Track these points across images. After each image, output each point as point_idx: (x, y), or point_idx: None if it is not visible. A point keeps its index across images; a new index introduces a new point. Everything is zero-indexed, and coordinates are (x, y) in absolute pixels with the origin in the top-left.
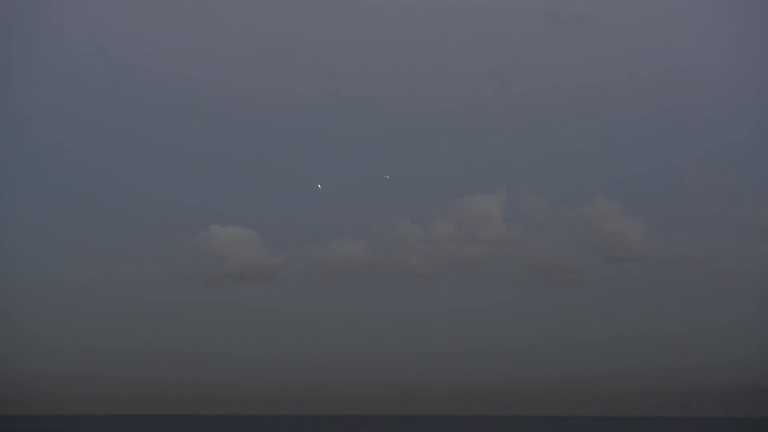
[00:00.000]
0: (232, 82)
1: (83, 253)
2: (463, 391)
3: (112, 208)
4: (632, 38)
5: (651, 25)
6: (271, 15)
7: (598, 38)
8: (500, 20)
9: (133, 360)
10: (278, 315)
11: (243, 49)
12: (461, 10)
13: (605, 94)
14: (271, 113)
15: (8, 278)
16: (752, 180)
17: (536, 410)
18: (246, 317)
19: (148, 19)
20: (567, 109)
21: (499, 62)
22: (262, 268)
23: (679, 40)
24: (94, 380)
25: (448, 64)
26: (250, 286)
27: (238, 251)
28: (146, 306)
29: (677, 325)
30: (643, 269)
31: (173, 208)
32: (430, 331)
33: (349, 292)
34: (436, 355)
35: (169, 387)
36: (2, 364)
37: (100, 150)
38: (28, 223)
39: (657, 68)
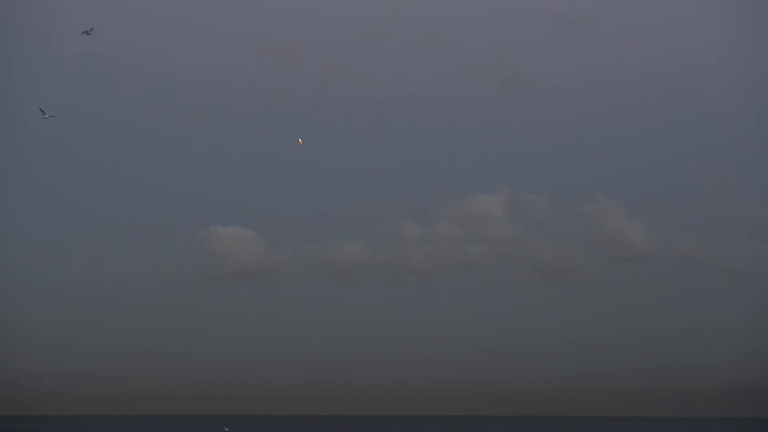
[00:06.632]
0: (233, 82)
1: (84, 251)
2: (466, 391)
3: (114, 205)
4: (637, 39)
5: (655, 27)
6: (273, 15)
7: (604, 39)
8: (506, 21)
9: (133, 359)
10: (279, 313)
11: (245, 49)
12: (465, 9)
13: (609, 95)
14: (273, 113)
15: (8, 276)
16: (754, 180)
17: (538, 410)
18: (247, 316)
19: (149, 17)
20: (570, 109)
21: (504, 62)
22: (263, 268)
23: (683, 41)
24: (94, 380)
25: (453, 64)
26: (251, 284)
27: (240, 251)
28: (148, 304)
29: (678, 324)
30: (645, 269)
31: (176, 206)
32: (433, 329)
33: (351, 291)
34: (438, 354)
35: (170, 386)
36: (2, 363)
37: (103, 147)
38: (29, 219)
39: (660, 69)
